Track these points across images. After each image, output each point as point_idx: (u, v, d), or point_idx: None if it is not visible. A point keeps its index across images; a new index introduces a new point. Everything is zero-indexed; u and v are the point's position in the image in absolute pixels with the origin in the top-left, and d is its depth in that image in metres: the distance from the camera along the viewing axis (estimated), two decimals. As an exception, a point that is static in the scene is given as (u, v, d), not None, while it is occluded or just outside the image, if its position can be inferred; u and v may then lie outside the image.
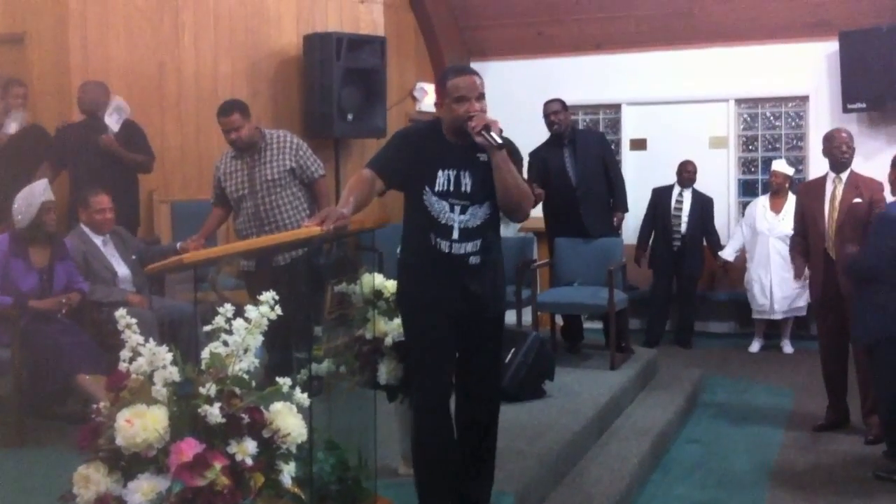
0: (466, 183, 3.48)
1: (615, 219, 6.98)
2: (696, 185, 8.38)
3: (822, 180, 5.69)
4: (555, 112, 6.76)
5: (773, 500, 4.82)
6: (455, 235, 3.47)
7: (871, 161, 7.05)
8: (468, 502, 3.68)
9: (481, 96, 3.46)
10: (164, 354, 2.61)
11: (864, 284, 4.93)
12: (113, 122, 6.14)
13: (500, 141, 3.37)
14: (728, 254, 8.23)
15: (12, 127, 6.15)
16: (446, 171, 3.47)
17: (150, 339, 2.68)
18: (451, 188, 3.47)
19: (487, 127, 3.36)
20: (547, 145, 6.87)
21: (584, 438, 5.08)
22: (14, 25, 6.70)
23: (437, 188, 3.46)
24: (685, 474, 5.25)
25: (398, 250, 3.72)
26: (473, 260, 3.51)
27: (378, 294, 4.04)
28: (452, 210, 3.47)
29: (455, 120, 3.44)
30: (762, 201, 8.09)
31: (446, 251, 3.48)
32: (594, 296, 6.54)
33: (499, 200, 3.50)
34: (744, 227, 8.16)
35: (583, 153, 6.79)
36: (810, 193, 5.72)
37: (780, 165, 8.03)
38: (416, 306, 3.57)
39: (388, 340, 3.93)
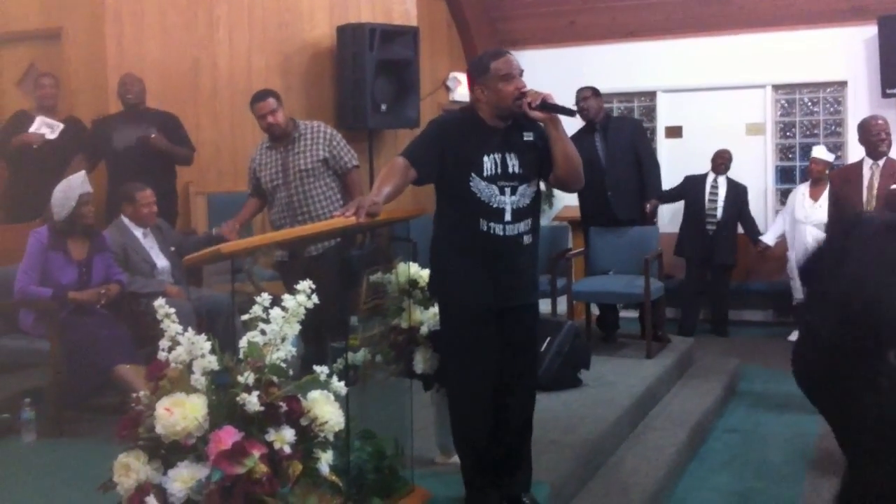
0: (513, 164, 3.51)
1: (648, 206, 6.93)
2: (733, 173, 8.31)
3: (856, 166, 5.61)
4: (584, 98, 6.74)
5: (812, 489, 4.78)
6: (508, 217, 3.49)
7: (909, 147, 6.95)
8: (510, 493, 3.67)
9: (522, 73, 3.52)
10: (203, 344, 2.63)
11: None
12: (48, 132, 6.19)
13: (572, 107, 3.42)
14: (769, 238, 8.16)
15: (48, 132, 6.20)
16: (492, 156, 3.49)
17: (189, 330, 2.70)
18: (499, 171, 3.49)
19: (545, 99, 3.41)
20: (579, 132, 6.85)
21: (620, 428, 5.06)
22: (50, 21, 6.78)
23: (485, 173, 3.47)
24: (723, 464, 5.21)
25: (433, 242, 3.72)
26: (527, 239, 3.56)
27: (413, 284, 4.04)
28: (503, 193, 3.48)
29: (504, 99, 3.46)
30: (802, 189, 8.02)
31: (501, 234, 3.49)
32: (630, 285, 6.51)
33: (560, 172, 3.55)
34: (786, 216, 8.10)
35: (614, 139, 6.76)
36: (844, 179, 5.64)
37: (820, 152, 7.94)
38: (462, 298, 3.55)
39: (424, 330, 3.93)
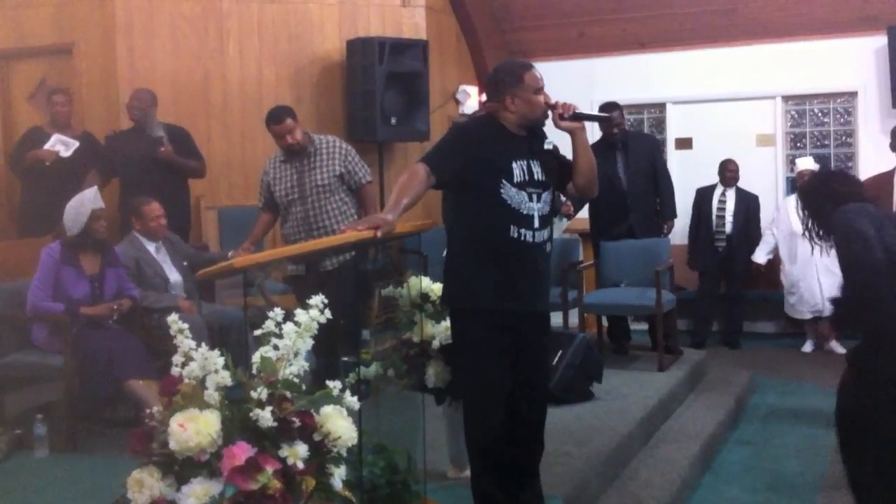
0: (537, 171, 3.55)
1: (665, 227, 6.98)
2: (744, 184, 8.28)
3: (889, 175, 5.58)
4: (618, 125, 6.75)
5: (827, 502, 4.75)
6: (536, 224, 3.52)
7: (922, 156, 6.92)
8: None
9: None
10: (216, 359, 2.62)
11: None
12: (62, 149, 6.20)
13: (606, 114, 3.51)
14: (759, 257, 8.11)
15: (63, 150, 6.22)
16: (519, 163, 3.51)
17: (201, 345, 2.70)
18: (527, 178, 3.52)
19: (575, 109, 3.53)
20: (597, 148, 6.83)
21: (632, 441, 5.03)
22: (62, 36, 6.82)
23: (515, 180, 3.48)
24: (736, 477, 5.18)
25: (446, 252, 3.72)
26: (548, 246, 3.61)
27: (425, 297, 4.04)
28: (531, 199, 3.51)
29: (536, 110, 3.54)
30: (792, 202, 7.91)
31: (531, 241, 3.50)
32: (641, 297, 6.49)
33: (581, 179, 3.62)
34: (774, 231, 8.06)
35: (634, 158, 6.77)
36: (879, 188, 5.59)
37: (807, 163, 7.89)
38: (485, 305, 3.50)
39: (436, 343, 3.93)
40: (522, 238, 3.49)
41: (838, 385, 3.80)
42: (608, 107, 6.76)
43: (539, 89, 3.53)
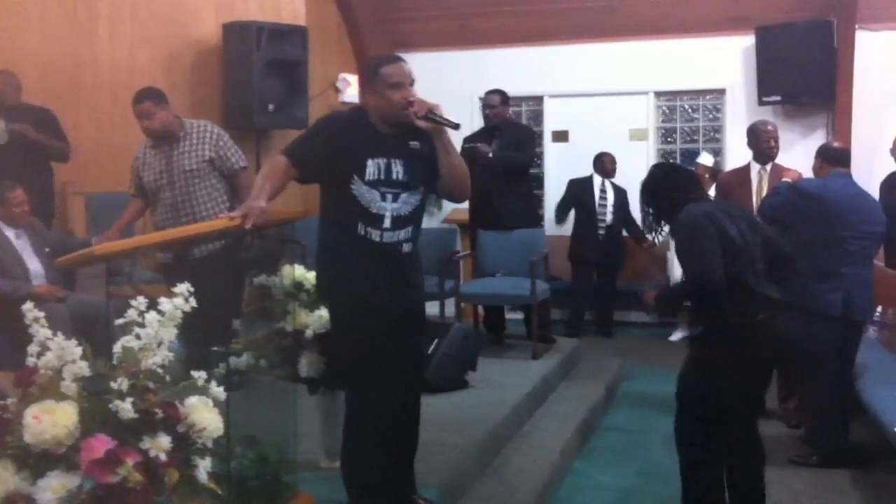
0: (398, 171, 3.45)
1: None
2: (618, 177, 8.50)
3: (745, 170, 5.79)
4: (491, 106, 6.91)
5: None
6: (387, 224, 3.43)
7: (785, 153, 7.12)
8: (400, 497, 3.65)
9: (413, 82, 3.45)
10: (73, 349, 2.54)
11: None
12: None
13: (455, 121, 3.39)
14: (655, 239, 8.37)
15: None
16: (376, 160, 3.42)
17: (58, 334, 2.60)
18: (382, 177, 3.42)
19: (431, 110, 3.36)
20: (479, 135, 6.97)
21: (506, 428, 5.10)
22: (-81, 13, 6.47)
23: (367, 177, 3.41)
24: (607, 463, 5.31)
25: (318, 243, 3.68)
26: (406, 248, 3.50)
27: (299, 286, 3.99)
28: (384, 199, 3.43)
29: (391, 107, 3.41)
30: None
31: (377, 240, 3.43)
32: (517, 287, 6.58)
33: (445, 183, 3.52)
34: None
35: (504, 146, 6.84)
36: (735, 182, 5.81)
37: (705, 159, 8.22)
38: (352, 305, 3.46)
39: (309, 332, 3.89)
40: (369, 237, 3.43)
41: (680, 370, 4.00)
42: (493, 94, 6.88)
43: (395, 84, 3.39)
